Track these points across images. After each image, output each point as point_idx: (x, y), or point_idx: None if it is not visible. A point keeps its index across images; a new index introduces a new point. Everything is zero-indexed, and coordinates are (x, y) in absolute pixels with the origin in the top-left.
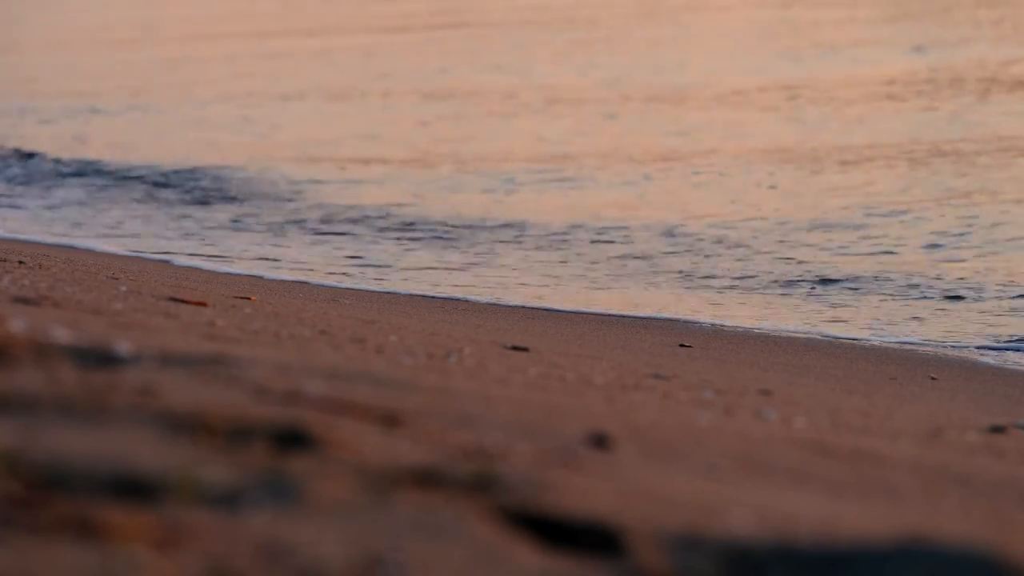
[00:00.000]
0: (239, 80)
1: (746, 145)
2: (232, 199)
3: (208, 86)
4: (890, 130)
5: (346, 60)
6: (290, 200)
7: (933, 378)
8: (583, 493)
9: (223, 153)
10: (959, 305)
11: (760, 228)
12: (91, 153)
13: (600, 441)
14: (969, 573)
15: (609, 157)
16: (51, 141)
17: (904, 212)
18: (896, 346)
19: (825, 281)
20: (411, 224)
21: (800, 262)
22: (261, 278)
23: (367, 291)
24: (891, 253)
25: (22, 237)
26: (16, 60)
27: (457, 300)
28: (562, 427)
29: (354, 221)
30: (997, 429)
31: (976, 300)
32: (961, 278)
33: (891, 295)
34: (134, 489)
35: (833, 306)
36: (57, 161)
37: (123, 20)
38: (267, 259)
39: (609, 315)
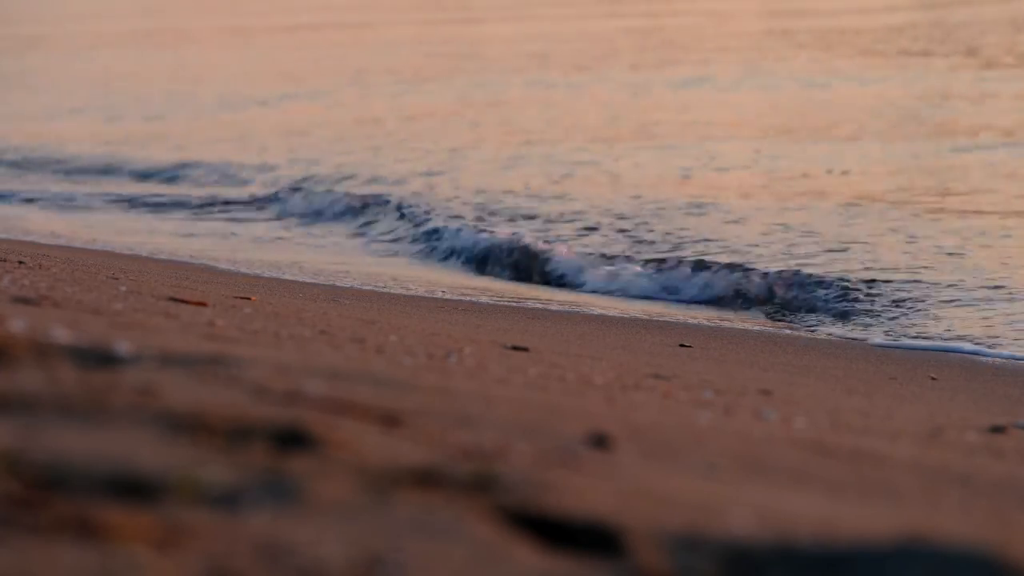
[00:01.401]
0: None
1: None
2: None
3: None
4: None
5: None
6: None
7: (933, 378)
8: (583, 493)
9: None
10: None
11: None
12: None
13: (600, 441)
14: (969, 573)
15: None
16: None
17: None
18: (897, 346)
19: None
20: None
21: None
22: (261, 277)
23: (367, 291)
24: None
25: (21, 237)
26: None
27: (457, 300)
28: (562, 427)
29: None
30: (997, 429)
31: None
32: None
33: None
34: (134, 489)
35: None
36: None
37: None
38: None
39: (609, 315)
